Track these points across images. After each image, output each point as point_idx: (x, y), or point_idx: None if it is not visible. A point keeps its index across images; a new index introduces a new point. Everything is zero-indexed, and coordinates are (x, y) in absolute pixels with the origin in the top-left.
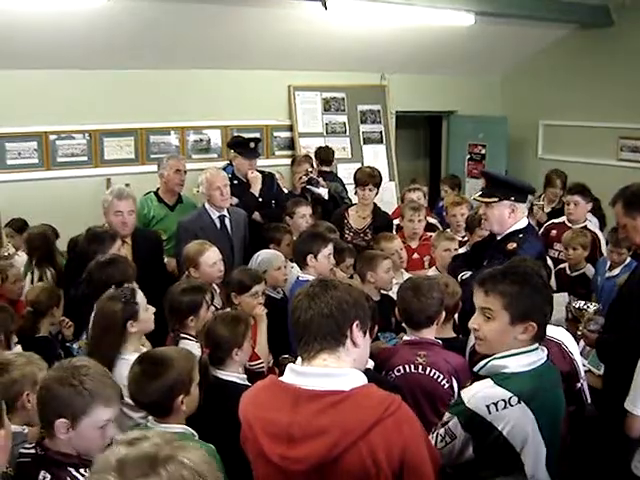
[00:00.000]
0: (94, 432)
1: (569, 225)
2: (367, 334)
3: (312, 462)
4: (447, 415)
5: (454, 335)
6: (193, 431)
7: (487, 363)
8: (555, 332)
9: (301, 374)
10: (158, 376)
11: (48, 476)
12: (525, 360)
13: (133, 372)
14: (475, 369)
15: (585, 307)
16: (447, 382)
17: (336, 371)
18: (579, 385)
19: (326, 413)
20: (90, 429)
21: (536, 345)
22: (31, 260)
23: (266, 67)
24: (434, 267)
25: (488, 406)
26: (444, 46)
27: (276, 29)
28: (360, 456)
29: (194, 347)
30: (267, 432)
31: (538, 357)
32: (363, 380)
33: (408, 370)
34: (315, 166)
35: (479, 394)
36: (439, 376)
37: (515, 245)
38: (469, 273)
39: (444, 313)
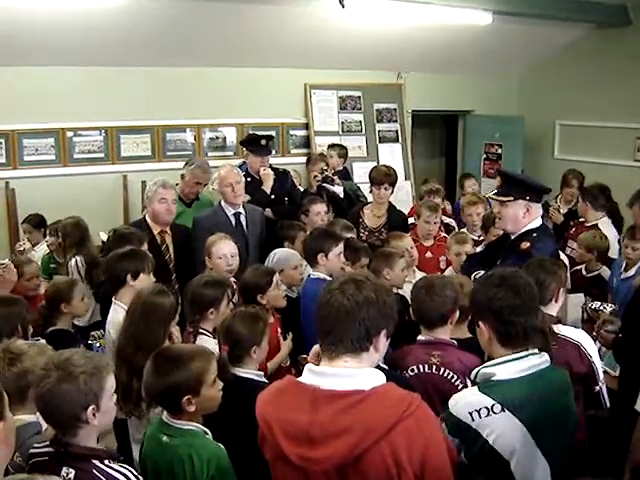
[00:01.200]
0: (110, 402)
1: (586, 225)
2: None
3: (333, 462)
4: (439, 419)
5: (469, 336)
6: (206, 429)
7: (479, 370)
8: (574, 334)
9: (320, 374)
10: (166, 374)
11: (72, 472)
12: (515, 367)
13: (147, 366)
14: (471, 377)
15: (601, 308)
16: (461, 382)
17: (356, 371)
18: (597, 388)
19: (347, 413)
20: (108, 401)
21: (525, 353)
22: (63, 248)
23: (282, 65)
24: (450, 268)
25: (471, 413)
26: (461, 45)
27: (293, 27)
28: (382, 456)
29: (212, 344)
30: (286, 433)
31: (531, 364)
32: (382, 379)
33: (422, 370)
34: (334, 163)
35: (462, 401)
36: (453, 376)
37: (529, 244)
38: (482, 272)
39: (458, 312)
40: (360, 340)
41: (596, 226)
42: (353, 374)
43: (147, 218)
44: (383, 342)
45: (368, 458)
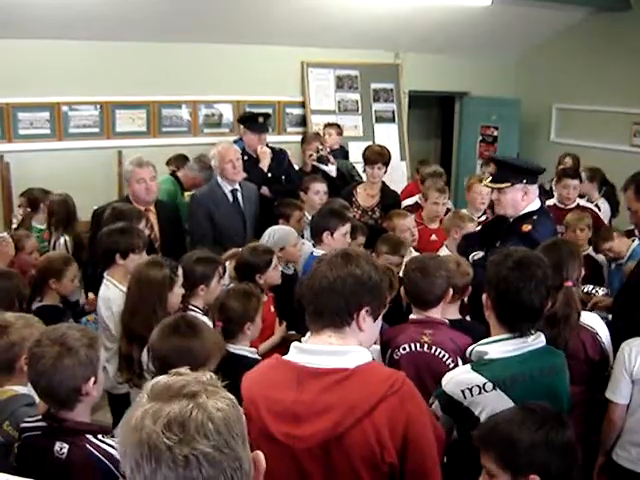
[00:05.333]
0: (102, 373)
1: (560, 206)
2: (379, 318)
3: (317, 440)
4: (432, 397)
5: (459, 317)
6: None
7: (474, 348)
8: (590, 320)
9: (306, 352)
10: (182, 336)
11: (65, 446)
12: (507, 346)
13: (163, 324)
14: (467, 353)
15: (593, 292)
16: (452, 361)
17: (341, 349)
18: (606, 373)
19: (331, 391)
20: (101, 371)
21: (511, 334)
22: (49, 226)
23: (280, 43)
24: (444, 246)
25: (463, 391)
26: (460, 26)
27: (291, 4)
28: (364, 434)
29: (203, 320)
30: (272, 411)
31: (522, 344)
32: (367, 357)
33: (413, 348)
34: (332, 141)
35: (455, 379)
36: (444, 355)
37: (530, 227)
38: (481, 254)
39: (452, 291)
40: (340, 313)
41: (578, 207)
42: (338, 351)
43: (130, 197)
44: (368, 321)
45: (351, 436)
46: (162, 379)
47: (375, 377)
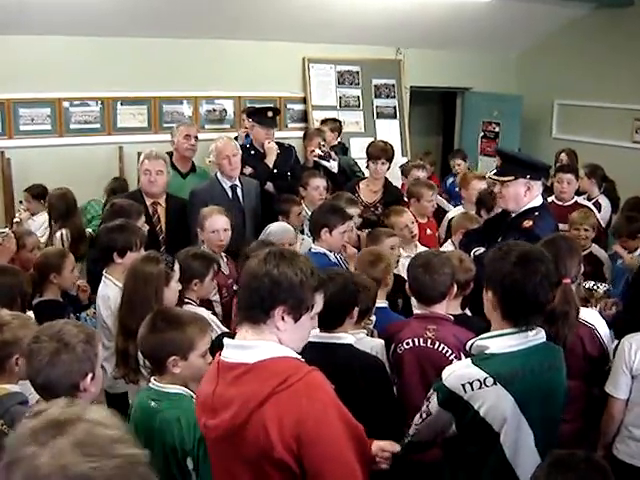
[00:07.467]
0: (100, 369)
1: (558, 203)
2: (301, 319)
3: (220, 431)
4: (431, 390)
5: (460, 312)
6: (192, 393)
7: (474, 342)
8: (588, 316)
9: (226, 346)
10: (160, 331)
11: None
12: (509, 341)
13: (144, 323)
14: (467, 347)
15: (595, 288)
16: (455, 357)
17: (248, 343)
18: (607, 368)
19: (234, 385)
20: (99, 368)
21: (517, 328)
22: (49, 219)
23: (281, 39)
24: (449, 241)
25: (463, 385)
26: (461, 22)
27: (292, 1)
28: (254, 428)
29: (199, 310)
30: (199, 402)
31: (523, 339)
32: (273, 353)
33: (417, 343)
34: (328, 138)
35: (455, 373)
36: (447, 351)
37: (531, 223)
38: (482, 249)
39: (456, 287)
40: (254, 310)
41: (576, 204)
42: (245, 346)
43: (140, 188)
44: (288, 321)
45: (247, 430)
46: (30, 423)
47: (268, 373)
